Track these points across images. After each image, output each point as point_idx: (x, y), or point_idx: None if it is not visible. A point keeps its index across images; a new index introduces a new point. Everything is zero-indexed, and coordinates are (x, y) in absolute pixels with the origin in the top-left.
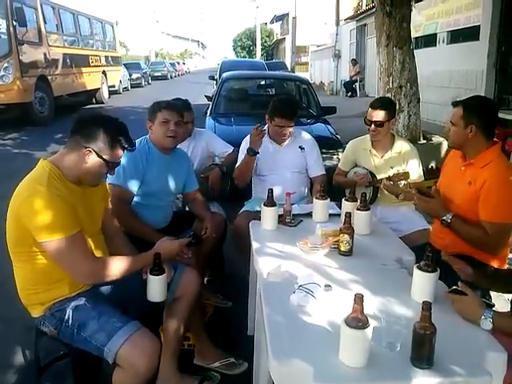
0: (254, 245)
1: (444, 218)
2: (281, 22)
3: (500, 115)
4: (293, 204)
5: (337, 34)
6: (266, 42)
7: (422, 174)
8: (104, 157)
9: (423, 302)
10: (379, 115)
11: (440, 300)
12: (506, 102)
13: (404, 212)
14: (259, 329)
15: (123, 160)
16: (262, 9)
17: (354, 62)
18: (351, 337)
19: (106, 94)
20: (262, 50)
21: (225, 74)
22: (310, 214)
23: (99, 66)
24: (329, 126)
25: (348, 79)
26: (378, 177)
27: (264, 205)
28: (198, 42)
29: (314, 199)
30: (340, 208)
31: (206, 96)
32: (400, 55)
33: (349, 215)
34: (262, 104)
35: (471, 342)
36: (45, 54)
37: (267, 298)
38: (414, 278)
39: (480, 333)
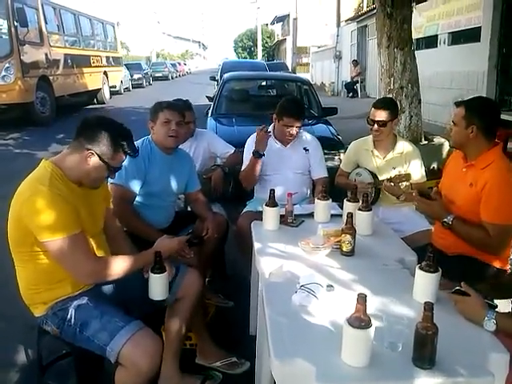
0: (256, 245)
1: (445, 220)
2: (282, 22)
3: (501, 116)
4: (295, 204)
5: (338, 35)
6: (267, 42)
7: (424, 174)
8: (106, 160)
9: (425, 302)
10: (382, 115)
11: (442, 300)
12: (507, 103)
13: (406, 213)
14: (261, 329)
15: (125, 160)
16: (262, 10)
17: (355, 63)
18: (354, 337)
19: (107, 94)
20: (262, 50)
21: (226, 75)
22: (311, 215)
23: (100, 66)
24: (330, 127)
25: (349, 80)
26: (380, 178)
27: (266, 205)
28: (199, 42)
29: (316, 200)
30: (342, 209)
31: (207, 97)
32: (401, 56)
33: (350, 216)
34: (263, 105)
35: (473, 342)
36: (46, 55)
37: (269, 298)
38: (415, 278)
39: (482, 333)
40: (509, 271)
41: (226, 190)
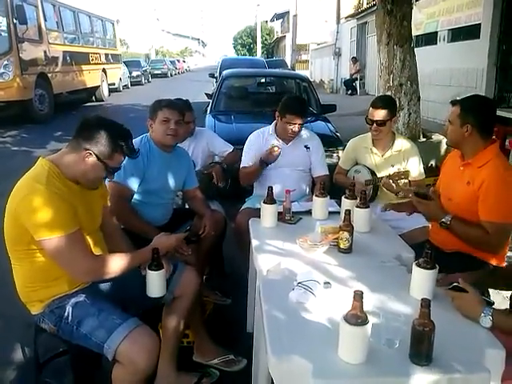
0: (254, 242)
1: (443, 220)
2: (281, 19)
3: (500, 113)
4: (293, 202)
5: (337, 32)
6: (266, 39)
7: (422, 171)
8: (104, 160)
9: (422, 299)
10: (381, 114)
11: (439, 297)
12: (506, 100)
13: None
14: (258, 326)
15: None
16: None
17: (355, 60)
18: (350, 333)
19: (105, 91)
20: (262, 47)
21: (225, 72)
22: (309, 212)
23: (99, 63)
24: (329, 124)
25: (348, 77)
26: (379, 175)
27: (264, 202)
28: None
29: (314, 197)
30: (340, 206)
31: (206, 94)
32: (400, 53)
33: (348, 213)
34: (262, 102)
35: (470, 338)
36: (45, 52)
37: (266, 295)
38: (412, 275)
39: (479, 330)
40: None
41: (224, 186)
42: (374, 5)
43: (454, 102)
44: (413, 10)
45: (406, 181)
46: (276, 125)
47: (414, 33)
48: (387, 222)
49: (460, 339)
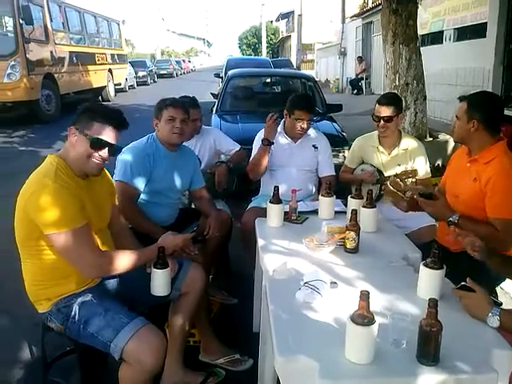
0: (260, 242)
1: (451, 219)
2: (286, 19)
3: (507, 113)
4: (299, 201)
5: (343, 32)
6: (271, 39)
7: (428, 170)
8: (85, 132)
9: (429, 299)
10: (387, 111)
11: (446, 297)
12: None
13: None
14: (264, 326)
15: (130, 157)
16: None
17: (360, 59)
18: (357, 333)
19: (112, 91)
20: (267, 47)
21: (230, 72)
22: (315, 212)
23: (105, 64)
24: (335, 124)
25: (354, 77)
26: (385, 174)
27: (270, 202)
28: (204, 39)
29: (320, 196)
30: (346, 206)
31: (211, 94)
32: (406, 53)
33: (355, 212)
34: (267, 101)
35: (477, 339)
36: (51, 52)
37: (273, 294)
38: (420, 275)
39: (486, 330)
40: None
41: (230, 185)
42: (380, 4)
43: (461, 98)
44: (418, 9)
45: (414, 180)
46: (284, 123)
47: (420, 32)
48: (393, 221)
49: (467, 339)
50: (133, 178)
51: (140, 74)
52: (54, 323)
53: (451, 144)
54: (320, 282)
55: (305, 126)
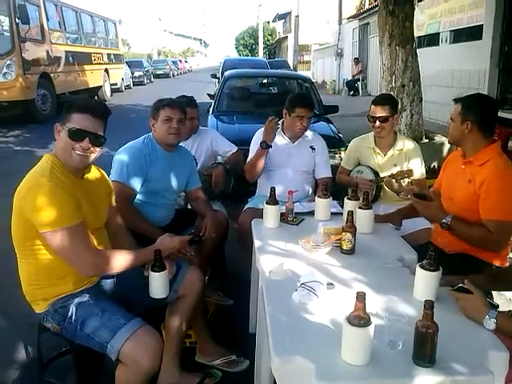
0: (256, 243)
1: (444, 220)
2: (283, 20)
3: (502, 115)
4: (295, 202)
5: (339, 33)
6: (268, 40)
7: (424, 172)
8: (65, 124)
9: (425, 300)
10: (382, 111)
11: (442, 299)
12: (508, 101)
13: None
14: (261, 327)
15: (126, 157)
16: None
17: (357, 60)
18: (353, 335)
19: (108, 91)
20: (264, 48)
21: (227, 72)
22: (312, 213)
23: (101, 63)
24: (331, 125)
25: (350, 78)
26: (382, 175)
27: (266, 203)
28: (201, 40)
29: (316, 198)
30: (342, 207)
31: (208, 94)
32: (403, 54)
33: (351, 214)
34: (264, 102)
35: (473, 340)
36: (47, 52)
37: (269, 296)
38: (416, 276)
39: (482, 332)
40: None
41: (227, 187)
42: (376, 6)
43: (456, 100)
44: (415, 11)
45: (409, 180)
46: (283, 123)
47: (416, 34)
48: (389, 222)
49: (463, 341)
50: (129, 178)
51: (136, 74)
52: (51, 323)
53: (447, 146)
54: (316, 283)
55: (305, 123)
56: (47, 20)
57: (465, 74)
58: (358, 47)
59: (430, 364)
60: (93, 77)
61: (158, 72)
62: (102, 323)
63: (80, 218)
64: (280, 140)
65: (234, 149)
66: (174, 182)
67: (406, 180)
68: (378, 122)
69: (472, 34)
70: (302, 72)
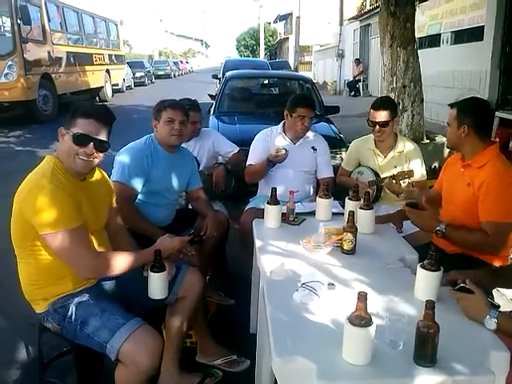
0: (257, 243)
1: (438, 228)
2: (284, 21)
3: (504, 116)
4: (296, 202)
5: (340, 34)
6: (269, 41)
7: (424, 173)
8: (70, 129)
9: (427, 300)
10: (382, 115)
11: (443, 299)
12: (509, 102)
13: None
14: (262, 327)
15: (128, 158)
16: (265, 8)
17: (358, 61)
18: (354, 335)
19: (109, 92)
20: (265, 49)
21: (228, 73)
22: (313, 213)
23: (103, 64)
24: (332, 126)
25: (351, 79)
26: (382, 176)
27: (267, 203)
28: (202, 41)
29: (318, 198)
30: (343, 207)
31: (209, 95)
32: (404, 55)
33: (352, 214)
34: (265, 103)
35: (474, 340)
36: (49, 52)
37: (270, 296)
38: (417, 276)
39: (483, 332)
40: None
41: (228, 187)
42: (377, 7)
43: (451, 105)
44: (416, 12)
45: (410, 180)
46: (284, 124)
47: (417, 35)
48: (390, 223)
49: (464, 341)
50: (130, 178)
51: (137, 74)
52: (51, 323)
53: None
54: (317, 284)
55: (307, 123)
56: (49, 21)
57: (466, 75)
58: (359, 48)
59: (430, 364)
60: (94, 77)
61: (160, 73)
62: (102, 323)
63: (80, 220)
64: (281, 141)
65: (236, 149)
66: (175, 183)
67: (407, 181)
68: (378, 127)
69: (473, 35)
70: (303, 73)
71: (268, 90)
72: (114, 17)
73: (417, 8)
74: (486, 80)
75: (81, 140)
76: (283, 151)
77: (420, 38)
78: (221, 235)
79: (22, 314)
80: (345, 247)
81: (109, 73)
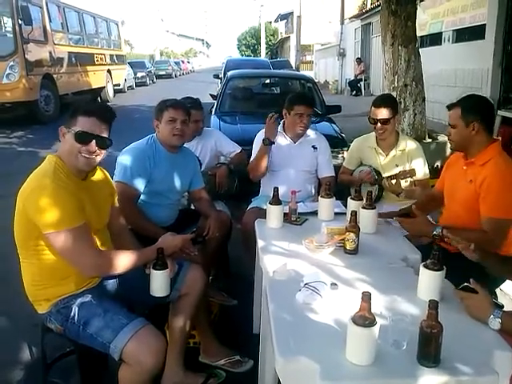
0: (260, 243)
1: (435, 232)
2: (285, 20)
3: (506, 114)
4: (298, 202)
5: (341, 33)
6: (270, 40)
7: (427, 172)
8: (71, 128)
9: (430, 300)
10: (383, 113)
11: (447, 298)
12: (511, 101)
13: None
14: (265, 327)
15: (130, 158)
16: (266, 7)
17: (359, 60)
18: (358, 335)
19: (111, 92)
20: (266, 48)
21: (230, 73)
22: (315, 213)
23: (104, 64)
24: (334, 125)
25: (353, 78)
26: (384, 175)
27: (269, 203)
28: (203, 40)
29: (320, 198)
30: (346, 207)
31: (210, 95)
32: (405, 54)
33: (354, 214)
34: (266, 102)
35: (478, 340)
36: (50, 53)
37: (273, 296)
38: (420, 276)
39: (487, 332)
40: None
41: (231, 187)
42: (378, 5)
43: (451, 106)
44: (417, 11)
45: (412, 179)
46: (284, 123)
47: (419, 33)
48: (392, 222)
49: (468, 341)
50: (132, 178)
51: (139, 74)
52: (54, 324)
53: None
54: (320, 283)
55: (305, 121)
56: (50, 21)
57: (468, 74)
58: (361, 47)
59: (434, 364)
60: (95, 78)
61: (161, 72)
62: (105, 323)
63: (83, 219)
64: (282, 140)
65: (238, 149)
66: (177, 183)
67: (409, 180)
68: (379, 124)
69: (475, 33)
70: (304, 72)
71: (269, 90)
72: (115, 17)
73: (418, 6)
74: (487, 78)
75: (83, 138)
76: (270, 115)
77: (421, 36)
78: (223, 235)
79: (25, 314)
80: (347, 247)
81: (110, 73)
